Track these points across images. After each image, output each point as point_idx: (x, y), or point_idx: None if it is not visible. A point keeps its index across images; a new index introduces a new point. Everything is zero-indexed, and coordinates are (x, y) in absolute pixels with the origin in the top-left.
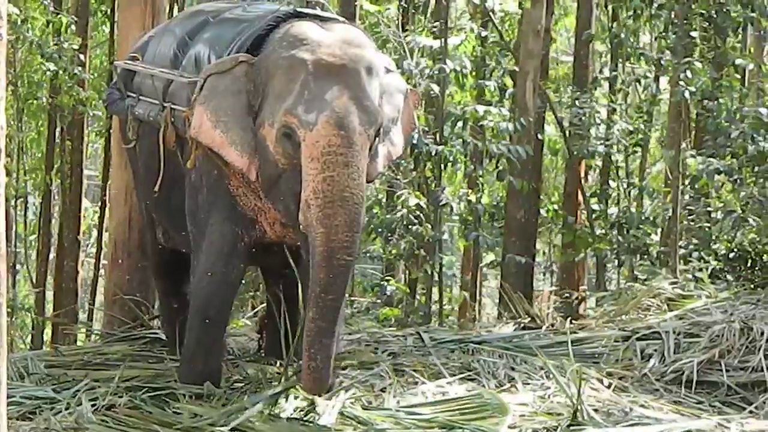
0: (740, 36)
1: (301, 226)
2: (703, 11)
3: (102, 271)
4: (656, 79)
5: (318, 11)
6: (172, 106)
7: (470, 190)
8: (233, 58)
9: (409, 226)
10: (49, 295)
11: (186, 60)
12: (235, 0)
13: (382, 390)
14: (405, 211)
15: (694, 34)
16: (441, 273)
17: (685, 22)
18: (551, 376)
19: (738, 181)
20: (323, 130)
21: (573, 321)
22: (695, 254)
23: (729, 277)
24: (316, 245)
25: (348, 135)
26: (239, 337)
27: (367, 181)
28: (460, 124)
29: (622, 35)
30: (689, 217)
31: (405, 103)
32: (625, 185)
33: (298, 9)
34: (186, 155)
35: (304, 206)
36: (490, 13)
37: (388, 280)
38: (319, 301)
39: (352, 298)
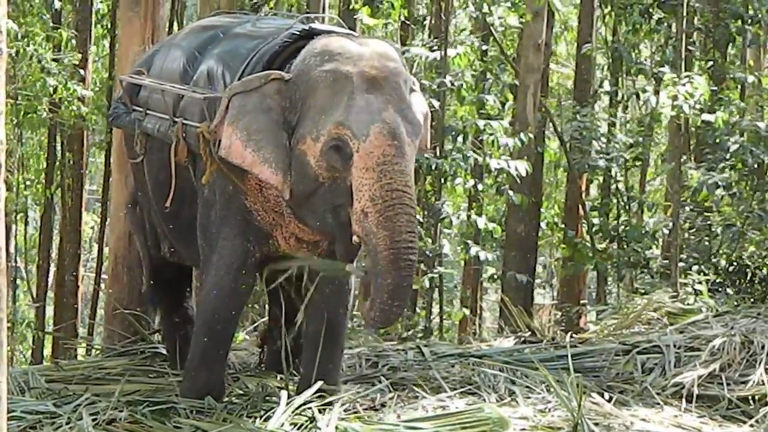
0: (739, 50)
1: (355, 237)
2: (702, 25)
3: (102, 286)
4: (656, 93)
5: (333, 27)
6: (184, 122)
7: (472, 204)
8: (263, 76)
9: None
10: (50, 309)
11: (197, 75)
12: (241, 14)
13: (383, 404)
14: None
15: (692, 48)
16: (441, 287)
17: (684, 35)
18: (552, 389)
19: (737, 194)
20: (377, 141)
21: (573, 335)
22: (695, 268)
23: (729, 290)
24: (379, 249)
25: (401, 145)
26: (240, 351)
27: None
28: (460, 138)
29: (622, 49)
30: (689, 231)
31: (424, 124)
32: (625, 199)
33: (313, 26)
34: (200, 171)
35: (359, 216)
36: (491, 27)
37: None
38: (384, 308)
39: (354, 312)
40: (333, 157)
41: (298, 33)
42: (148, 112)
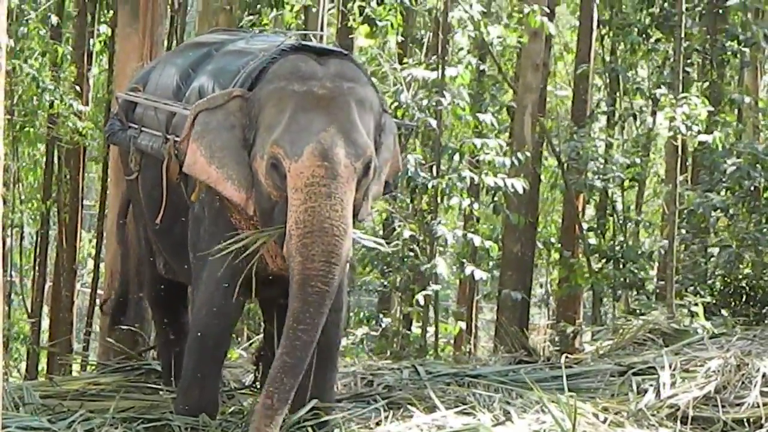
0: (736, 71)
1: (287, 257)
2: (699, 47)
3: (98, 301)
4: (653, 113)
5: (321, 45)
6: (176, 139)
7: (468, 223)
8: (226, 93)
9: (405, 259)
10: (45, 324)
11: (189, 92)
12: (237, 32)
13: (377, 423)
14: (401, 243)
15: (689, 69)
16: (437, 305)
17: (682, 56)
18: (547, 410)
19: (733, 216)
20: (307, 161)
21: (569, 355)
22: (691, 289)
23: (724, 312)
24: (293, 275)
25: (332, 167)
26: (235, 368)
27: (359, 221)
28: (456, 157)
29: (619, 69)
30: (685, 252)
31: (394, 144)
32: (621, 219)
33: (303, 42)
34: (190, 188)
35: (287, 237)
36: (489, 47)
37: (384, 313)
38: (290, 333)
39: (348, 330)
40: (273, 175)
41: (285, 50)
42: (142, 129)
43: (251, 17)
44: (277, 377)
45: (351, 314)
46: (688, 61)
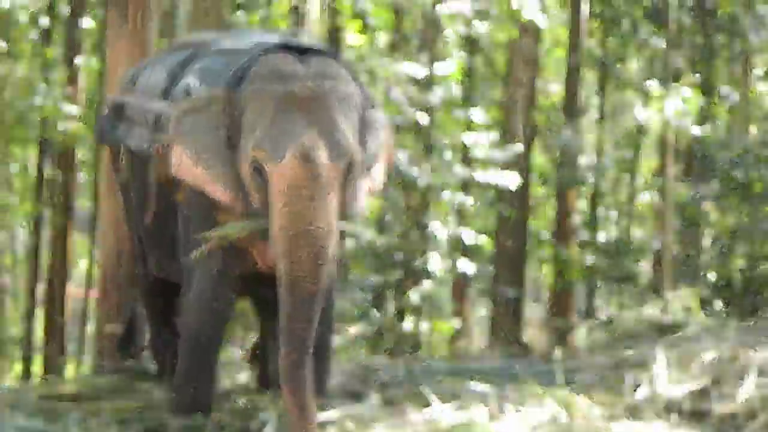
0: (725, 63)
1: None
2: (688, 39)
3: (92, 304)
4: (644, 106)
5: (306, 43)
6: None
7: (459, 219)
8: (208, 94)
9: (396, 255)
10: (38, 326)
11: (177, 91)
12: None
13: (372, 420)
14: (394, 240)
15: (679, 64)
16: (430, 301)
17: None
18: (542, 404)
19: (725, 208)
20: (289, 164)
21: (563, 349)
22: (684, 282)
23: (718, 304)
24: (282, 277)
25: (315, 168)
26: (230, 367)
27: (353, 217)
28: (448, 153)
29: (609, 63)
30: (678, 245)
31: (386, 139)
32: (615, 213)
33: (288, 41)
34: (178, 187)
35: (272, 240)
36: (479, 43)
37: (377, 308)
38: (287, 333)
39: (342, 328)
40: (257, 178)
41: (270, 49)
42: (131, 129)
43: (240, 15)
44: (289, 374)
45: (343, 311)
46: (679, 54)
